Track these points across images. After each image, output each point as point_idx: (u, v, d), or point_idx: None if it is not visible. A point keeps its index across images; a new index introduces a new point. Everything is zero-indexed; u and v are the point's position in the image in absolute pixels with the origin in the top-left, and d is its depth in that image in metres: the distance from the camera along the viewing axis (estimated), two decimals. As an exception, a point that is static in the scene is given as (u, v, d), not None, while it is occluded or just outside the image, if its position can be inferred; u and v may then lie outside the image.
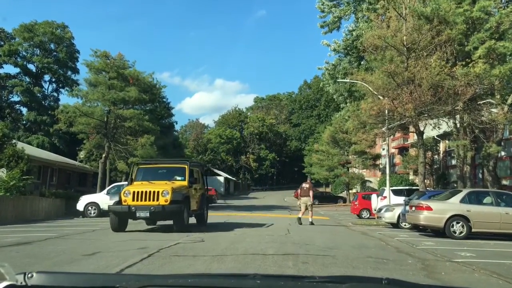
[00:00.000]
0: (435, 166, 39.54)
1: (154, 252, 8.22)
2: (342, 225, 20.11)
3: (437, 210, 13.43)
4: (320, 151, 51.44)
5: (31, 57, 47.32)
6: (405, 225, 17.53)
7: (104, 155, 30.48)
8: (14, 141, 24.44)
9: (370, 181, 55.85)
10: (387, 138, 22.63)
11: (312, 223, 17.29)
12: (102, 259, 7.43)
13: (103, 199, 24.27)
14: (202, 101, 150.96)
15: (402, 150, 47.09)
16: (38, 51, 48.63)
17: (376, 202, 23.08)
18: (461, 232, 13.16)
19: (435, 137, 34.61)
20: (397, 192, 22.59)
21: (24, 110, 48.22)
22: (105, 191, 24.71)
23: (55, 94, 51.64)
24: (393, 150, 54.18)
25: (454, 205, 13.51)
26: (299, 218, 17.52)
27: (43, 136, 45.16)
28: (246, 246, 9.64)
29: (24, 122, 45.98)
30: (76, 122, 29.41)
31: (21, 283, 1.55)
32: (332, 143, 49.78)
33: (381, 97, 20.22)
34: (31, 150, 30.60)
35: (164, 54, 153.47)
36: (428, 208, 13.45)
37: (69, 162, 35.51)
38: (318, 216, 23.69)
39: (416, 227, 16.13)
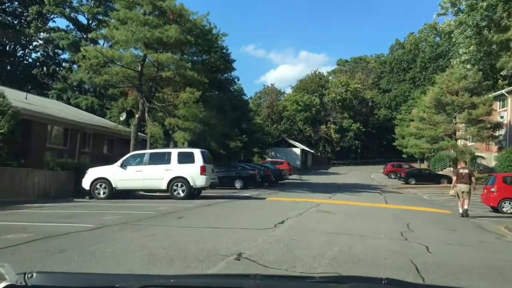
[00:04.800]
0: None
1: None
2: (486, 229, 11.28)
3: None
4: (420, 118, 40.87)
5: (80, 6, 41.43)
6: None
7: (137, 115, 23.36)
8: None
9: (483, 157, 44.57)
10: None
11: (467, 215, 14.00)
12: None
13: (115, 173, 17.04)
14: (285, 73, 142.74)
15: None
16: (88, -1, 42.76)
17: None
18: None
19: None
20: None
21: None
22: (119, 162, 17.41)
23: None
24: (509, 118, 42.48)
25: None
26: (466, 211, 13.97)
27: (93, 97, 39.62)
28: None
29: (73, 81, 40.54)
30: (100, 72, 22.39)
31: (21, 283, 1.51)
32: (436, 108, 39.11)
33: None
34: (41, 107, 24.47)
35: (249, 27, 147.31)
36: None
37: (106, 125, 29.05)
38: (429, 208, 14.92)
39: None
